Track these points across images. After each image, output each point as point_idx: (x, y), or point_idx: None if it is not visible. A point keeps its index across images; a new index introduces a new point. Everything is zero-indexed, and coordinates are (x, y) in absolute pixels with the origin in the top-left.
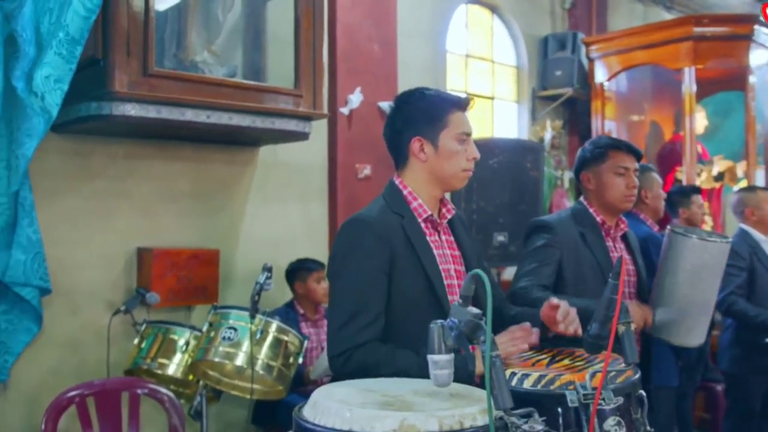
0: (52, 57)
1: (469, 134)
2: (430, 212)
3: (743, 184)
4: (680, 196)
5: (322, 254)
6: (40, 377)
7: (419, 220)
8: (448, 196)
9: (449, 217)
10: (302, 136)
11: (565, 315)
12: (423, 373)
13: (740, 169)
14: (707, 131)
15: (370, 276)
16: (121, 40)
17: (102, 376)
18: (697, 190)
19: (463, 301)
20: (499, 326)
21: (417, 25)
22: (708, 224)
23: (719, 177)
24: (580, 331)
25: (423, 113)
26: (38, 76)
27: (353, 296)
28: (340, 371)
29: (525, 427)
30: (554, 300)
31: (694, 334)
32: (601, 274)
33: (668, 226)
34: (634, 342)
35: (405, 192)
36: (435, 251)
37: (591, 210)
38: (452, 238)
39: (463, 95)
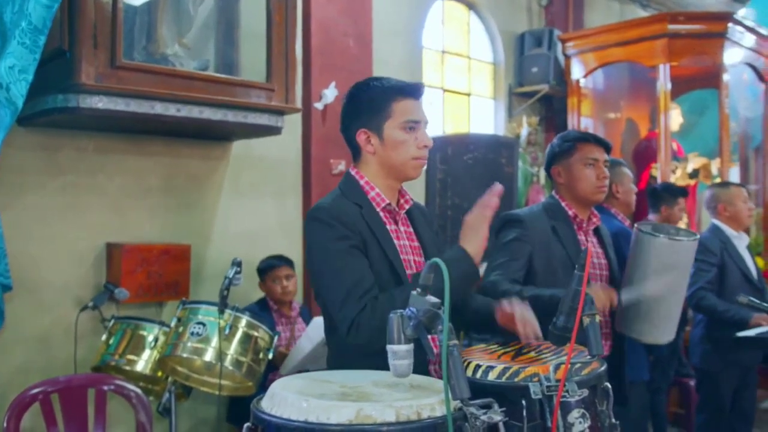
0: (15, 47)
1: (417, 121)
2: (388, 201)
3: (718, 181)
4: (668, 194)
5: (296, 250)
6: (7, 375)
7: (378, 209)
8: (422, 191)
9: (407, 207)
10: (275, 131)
11: (523, 324)
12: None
13: (715, 166)
14: (682, 128)
15: (350, 254)
16: (88, 31)
17: (70, 373)
18: (685, 193)
19: (421, 290)
20: (463, 317)
21: (393, 20)
22: (683, 221)
23: (694, 174)
24: (539, 333)
25: (366, 105)
26: (2, 66)
27: (343, 275)
28: (356, 341)
29: (483, 417)
30: (505, 306)
31: (663, 332)
32: (572, 267)
33: (636, 225)
34: (600, 334)
35: (362, 182)
36: (395, 241)
37: (563, 204)
38: (411, 229)
39: (414, 82)
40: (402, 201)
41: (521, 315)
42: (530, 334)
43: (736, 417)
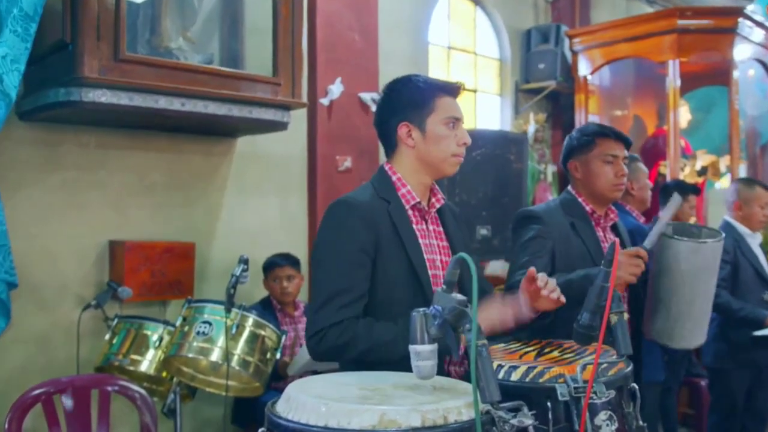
0: (7, 35)
1: (458, 119)
2: (418, 199)
3: (726, 178)
4: (678, 191)
5: (300, 247)
6: (8, 375)
7: (406, 207)
8: None
9: (438, 206)
10: (281, 126)
11: (545, 283)
12: (404, 343)
13: (723, 163)
14: (690, 126)
15: (353, 257)
16: (91, 23)
17: (72, 374)
18: (697, 191)
19: (447, 287)
20: None
21: (399, 16)
22: (692, 219)
23: (702, 171)
24: (563, 299)
25: (409, 99)
26: None
27: (334, 277)
28: (315, 351)
29: (513, 421)
30: (532, 269)
31: (695, 336)
32: (593, 263)
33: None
34: (627, 332)
35: (394, 178)
36: (420, 240)
37: (580, 199)
38: (440, 229)
39: (454, 81)
40: (433, 200)
41: (544, 278)
42: (554, 295)
43: (748, 417)
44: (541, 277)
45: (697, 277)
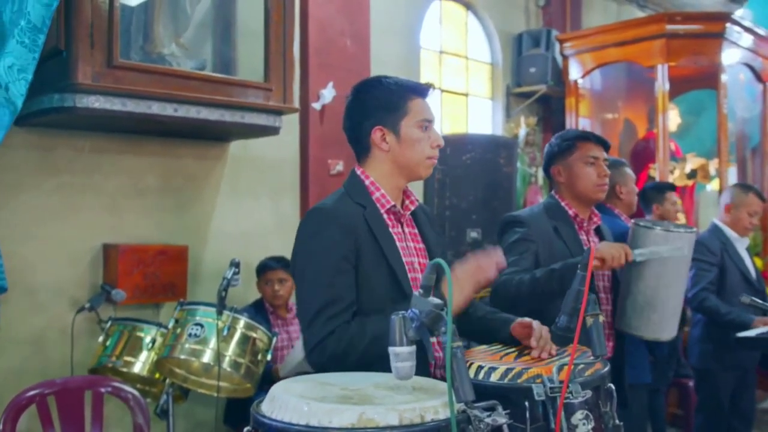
0: (14, 46)
1: (431, 121)
2: (393, 203)
3: (716, 181)
4: (655, 192)
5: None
6: (2, 376)
7: (382, 211)
8: (421, 191)
9: (412, 208)
10: (273, 131)
11: (538, 338)
12: None
13: (712, 166)
14: (680, 129)
15: (337, 267)
16: (84, 30)
17: (66, 375)
18: (672, 187)
19: (424, 291)
20: (464, 326)
21: (391, 20)
22: (681, 221)
23: (692, 174)
24: (554, 353)
25: (382, 102)
26: (1, 66)
27: (321, 290)
28: (319, 364)
29: (488, 420)
30: (526, 319)
31: (663, 328)
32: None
33: (632, 220)
34: (603, 334)
35: (367, 182)
36: (398, 243)
37: (563, 203)
38: (416, 231)
39: (425, 82)
40: (407, 202)
41: (539, 331)
42: (544, 354)
43: (735, 417)
44: (536, 329)
45: (665, 265)
